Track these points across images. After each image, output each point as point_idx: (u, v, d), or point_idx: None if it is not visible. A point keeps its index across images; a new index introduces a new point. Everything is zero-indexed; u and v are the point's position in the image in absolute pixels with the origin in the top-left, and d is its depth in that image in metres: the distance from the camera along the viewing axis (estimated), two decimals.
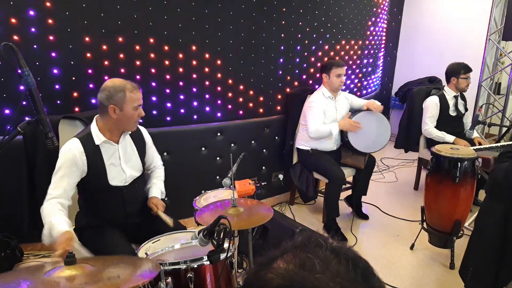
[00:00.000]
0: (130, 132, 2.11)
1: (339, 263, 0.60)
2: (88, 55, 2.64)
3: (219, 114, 3.31)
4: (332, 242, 0.64)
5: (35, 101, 1.49)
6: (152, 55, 2.87)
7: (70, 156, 1.91)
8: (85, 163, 1.95)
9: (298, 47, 3.68)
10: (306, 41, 3.73)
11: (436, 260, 2.96)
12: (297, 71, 3.74)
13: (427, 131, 3.83)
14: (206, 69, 3.14)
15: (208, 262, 1.64)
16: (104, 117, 2.00)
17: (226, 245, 1.57)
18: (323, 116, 3.30)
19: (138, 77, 2.82)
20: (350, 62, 4.44)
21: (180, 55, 2.99)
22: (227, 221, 1.51)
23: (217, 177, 3.34)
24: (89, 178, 1.98)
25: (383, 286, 0.61)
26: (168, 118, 3.05)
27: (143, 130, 2.24)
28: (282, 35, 3.53)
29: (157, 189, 2.25)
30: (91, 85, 2.69)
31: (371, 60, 4.99)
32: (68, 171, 1.92)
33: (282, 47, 3.56)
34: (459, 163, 2.71)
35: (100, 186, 2.02)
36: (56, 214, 1.83)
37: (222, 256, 1.57)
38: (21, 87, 2.45)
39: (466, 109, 3.95)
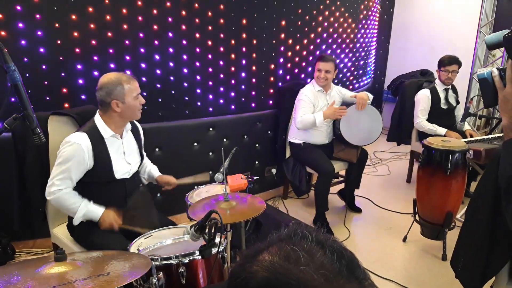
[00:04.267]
0: (131, 127, 2.16)
1: (324, 255, 0.60)
2: (77, 50, 2.61)
3: (211, 109, 3.30)
4: (318, 234, 0.64)
5: (21, 97, 1.46)
6: (142, 50, 2.84)
7: (79, 149, 1.92)
8: (92, 157, 1.96)
9: (290, 41, 3.67)
10: (298, 35, 3.72)
11: (429, 252, 2.98)
12: (289, 65, 3.73)
13: (419, 124, 3.85)
14: (197, 64, 3.13)
15: (199, 257, 1.63)
16: (107, 113, 2.02)
17: (217, 239, 1.57)
18: (312, 108, 3.30)
19: (128, 72, 2.79)
20: (342, 56, 4.44)
21: (170, 50, 2.97)
22: (218, 215, 1.50)
23: (210, 172, 3.32)
24: (95, 171, 1.99)
25: (368, 278, 0.61)
26: (160, 113, 3.03)
27: (137, 123, 2.27)
28: (274, 28, 3.52)
29: (156, 171, 2.37)
30: (80, 81, 2.67)
31: (363, 54, 4.99)
32: (76, 165, 1.94)
33: (273, 41, 3.55)
34: (450, 155, 2.73)
35: (105, 178, 2.03)
36: (84, 200, 1.99)
37: (214, 250, 1.57)
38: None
39: (457, 102, 3.97)
